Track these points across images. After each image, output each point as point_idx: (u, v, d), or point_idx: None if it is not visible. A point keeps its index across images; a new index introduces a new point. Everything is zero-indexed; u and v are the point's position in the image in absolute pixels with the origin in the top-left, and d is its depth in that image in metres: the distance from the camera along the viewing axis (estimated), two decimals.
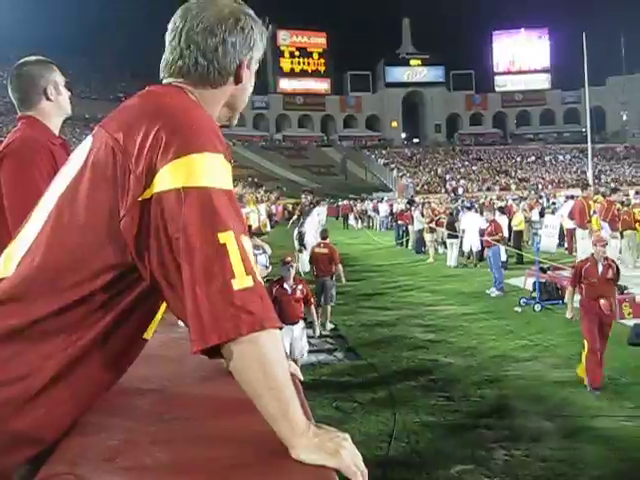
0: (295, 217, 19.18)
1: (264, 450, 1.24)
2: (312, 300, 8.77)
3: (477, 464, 5.80)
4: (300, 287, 8.30)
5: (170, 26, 1.53)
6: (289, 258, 8.47)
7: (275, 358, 1.21)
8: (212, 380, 1.71)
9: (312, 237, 15.96)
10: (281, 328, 1.24)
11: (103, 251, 1.32)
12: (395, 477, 5.71)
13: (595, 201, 15.50)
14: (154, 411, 1.51)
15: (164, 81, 1.54)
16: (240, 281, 1.19)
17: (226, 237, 1.20)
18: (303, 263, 14.74)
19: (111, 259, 1.33)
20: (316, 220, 17.31)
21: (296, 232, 16.89)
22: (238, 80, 1.58)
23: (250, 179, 61.07)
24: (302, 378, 1.68)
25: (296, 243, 16.56)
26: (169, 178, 1.23)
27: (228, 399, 1.49)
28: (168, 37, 1.53)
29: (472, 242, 18.85)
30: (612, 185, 32.62)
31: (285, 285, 8.18)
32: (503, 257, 15.82)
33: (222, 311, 1.17)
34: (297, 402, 1.23)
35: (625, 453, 5.89)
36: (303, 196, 16.72)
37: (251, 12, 1.58)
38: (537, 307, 12.17)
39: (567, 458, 5.83)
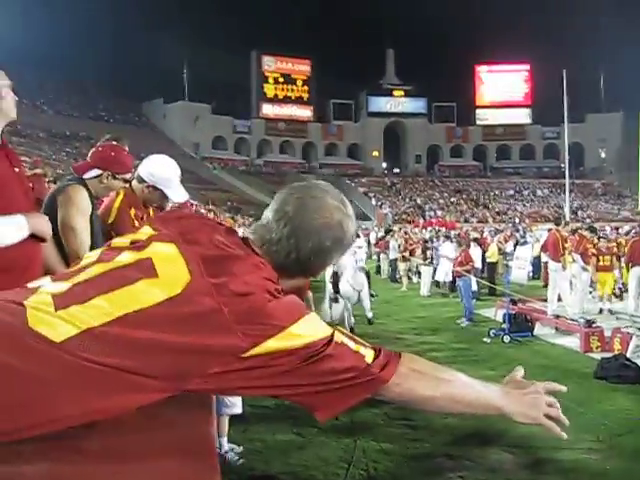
0: None
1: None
2: None
3: None
4: None
5: (279, 204, 1.64)
6: None
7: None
8: None
9: (347, 283, 12.45)
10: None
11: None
12: None
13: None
14: None
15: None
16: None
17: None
18: (334, 313, 12.46)
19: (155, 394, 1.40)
20: (352, 259, 12.24)
21: (330, 271, 12.54)
22: (313, 276, 1.74)
23: (229, 203, 61.03)
24: None
25: (329, 287, 13.01)
26: (281, 344, 1.41)
27: None
28: (274, 214, 1.63)
29: (447, 272, 18.88)
30: (592, 224, 32.88)
31: None
32: (474, 287, 15.81)
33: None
34: (475, 396, 1.69)
35: None
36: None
37: (353, 216, 1.71)
38: (506, 338, 12.14)
39: None
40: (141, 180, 4.15)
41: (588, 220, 58.17)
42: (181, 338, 1.35)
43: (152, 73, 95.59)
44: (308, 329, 1.45)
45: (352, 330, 11.81)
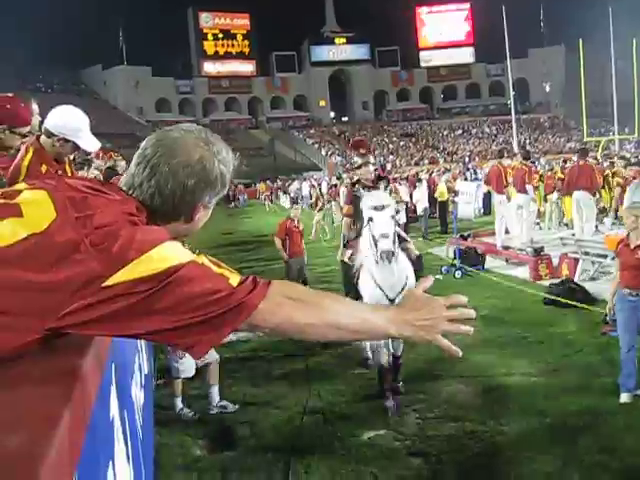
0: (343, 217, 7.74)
1: None
2: None
3: (389, 429, 5.80)
4: None
5: (140, 149, 1.63)
6: None
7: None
8: None
9: (371, 282, 6.14)
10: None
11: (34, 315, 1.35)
12: (307, 447, 5.65)
13: (513, 168, 15.68)
14: None
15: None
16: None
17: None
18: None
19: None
20: (367, 235, 6.01)
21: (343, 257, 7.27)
22: (189, 220, 1.68)
23: None
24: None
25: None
26: (142, 268, 1.37)
27: None
28: (135, 159, 1.63)
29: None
30: (526, 150, 33.50)
31: None
32: None
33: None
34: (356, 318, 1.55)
35: (532, 407, 5.98)
36: (345, 176, 7.78)
37: (223, 155, 1.66)
38: (457, 274, 12.29)
39: (477, 417, 5.89)
40: (50, 134, 3.95)
41: (536, 155, 58.84)
42: (43, 274, 1.33)
43: (88, 39, 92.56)
44: (169, 253, 1.42)
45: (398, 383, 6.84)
